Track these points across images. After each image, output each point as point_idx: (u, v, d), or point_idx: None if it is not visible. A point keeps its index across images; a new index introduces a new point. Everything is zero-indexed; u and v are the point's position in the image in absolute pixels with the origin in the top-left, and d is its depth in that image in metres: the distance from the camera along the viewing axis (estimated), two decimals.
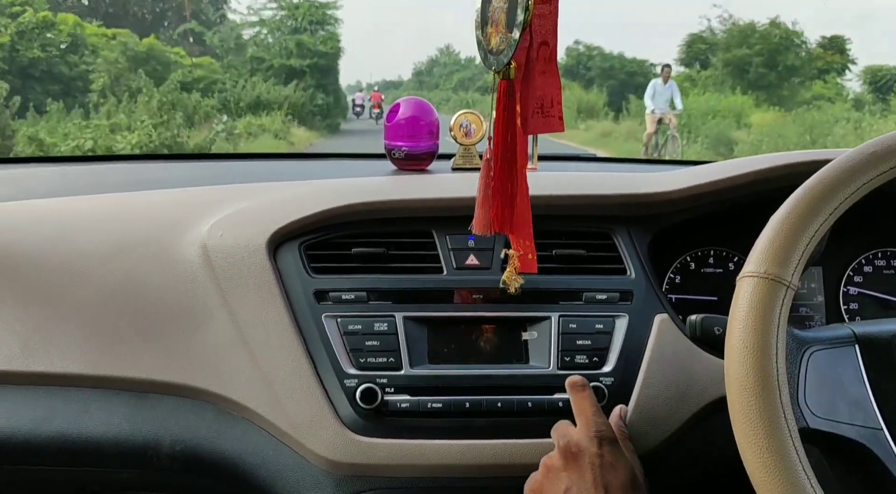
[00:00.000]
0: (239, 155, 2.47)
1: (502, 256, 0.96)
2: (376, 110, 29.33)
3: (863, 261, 1.21)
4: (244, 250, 1.00)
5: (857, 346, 0.77)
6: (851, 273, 1.21)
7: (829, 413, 0.73)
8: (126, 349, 0.99)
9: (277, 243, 1.02)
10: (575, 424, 0.88)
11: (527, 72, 0.84)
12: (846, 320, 1.20)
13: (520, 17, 0.78)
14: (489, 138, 0.87)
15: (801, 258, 0.70)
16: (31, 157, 7.31)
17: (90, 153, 11.41)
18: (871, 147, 0.74)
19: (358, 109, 32.36)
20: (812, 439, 0.72)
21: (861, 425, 0.73)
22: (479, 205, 0.90)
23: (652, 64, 32.17)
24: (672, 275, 1.19)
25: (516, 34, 0.79)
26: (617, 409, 0.92)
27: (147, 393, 1.00)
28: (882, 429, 0.73)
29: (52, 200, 1.19)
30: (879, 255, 1.21)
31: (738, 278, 0.72)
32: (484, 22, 0.85)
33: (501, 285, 0.95)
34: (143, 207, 1.15)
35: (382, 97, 32.33)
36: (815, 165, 0.77)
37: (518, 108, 0.84)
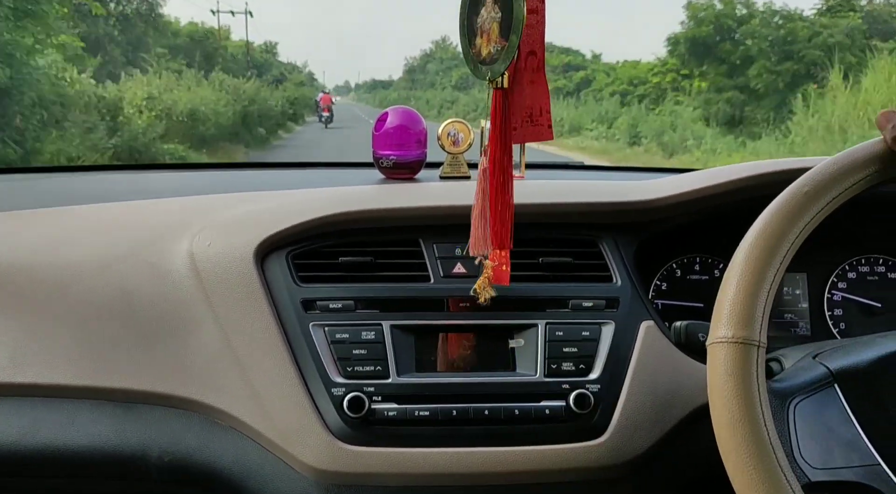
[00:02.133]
0: (226, 165, 2.47)
1: (477, 263, 0.96)
2: (325, 114, 28.19)
3: (846, 267, 1.22)
4: (232, 260, 1.00)
5: (836, 385, 0.77)
6: (836, 279, 1.22)
7: (827, 462, 0.73)
8: (114, 359, 0.99)
9: (265, 252, 1.02)
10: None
11: (515, 81, 0.84)
12: (830, 326, 1.21)
13: (516, 25, 0.79)
14: (483, 150, 0.88)
15: (765, 314, 0.71)
16: (19, 167, 7.27)
17: None
18: (804, 186, 0.75)
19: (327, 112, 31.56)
20: (816, 492, 0.72)
21: (858, 465, 0.73)
22: (475, 222, 0.90)
23: None
24: (658, 282, 1.19)
25: (514, 44, 0.79)
26: None
27: (135, 404, 1.00)
28: (880, 464, 0.72)
29: (39, 210, 1.19)
30: (863, 261, 1.22)
31: (707, 343, 0.73)
32: (472, 33, 0.85)
33: (472, 294, 0.95)
34: (130, 217, 1.15)
35: (333, 100, 31.19)
36: (797, 173, 0.78)
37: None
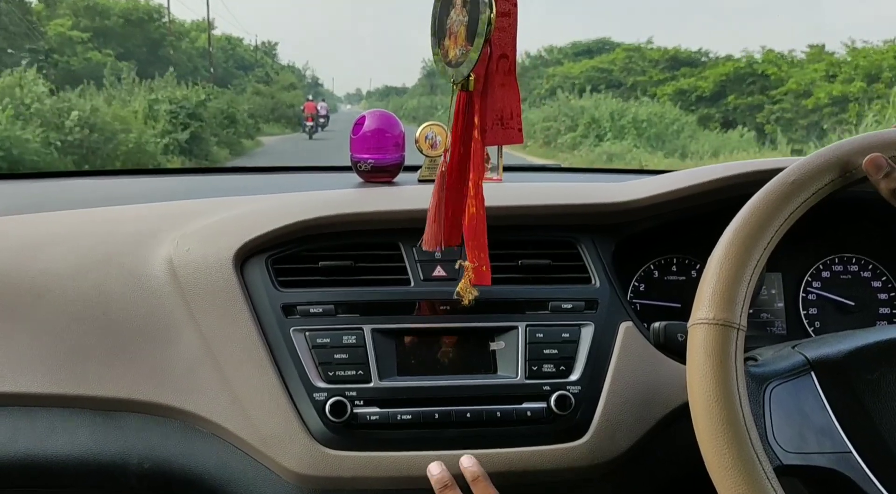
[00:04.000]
0: (205, 169, 2.45)
1: (457, 266, 0.97)
2: (309, 124, 25.74)
3: (821, 267, 1.24)
4: (211, 265, 1.00)
5: (812, 373, 0.78)
6: (810, 279, 1.23)
7: (799, 447, 0.74)
8: (92, 367, 0.98)
9: (244, 257, 1.02)
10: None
11: (486, 84, 0.84)
12: (806, 325, 1.22)
13: (482, 29, 0.79)
14: (445, 151, 0.88)
15: (746, 298, 0.72)
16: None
17: None
18: (792, 176, 0.76)
19: (322, 120, 28.72)
20: (788, 474, 0.73)
21: (830, 451, 0.74)
22: (430, 219, 0.91)
23: None
24: (636, 283, 1.20)
25: (478, 47, 0.80)
26: None
27: (114, 412, 0.99)
28: (851, 452, 0.74)
29: (16, 216, 1.17)
30: (837, 260, 1.24)
31: (689, 324, 0.73)
32: (441, 34, 0.85)
33: (455, 297, 0.95)
34: (108, 222, 1.14)
35: (320, 108, 28.87)
36: (772, 173, 0.79)
37: (476, 120, 0.85)
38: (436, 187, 0.90)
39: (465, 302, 0.95)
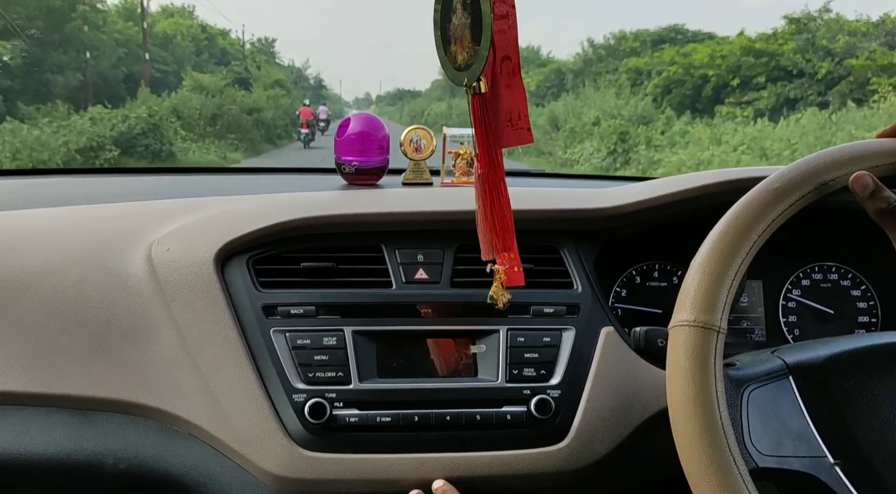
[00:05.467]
0: (187, 169, 2.44)
1: (488, 270, 0.95)
2: (304, 131, 23.14)
3: (801, 275, 1.25)
4: (191, 265, 0.99)
5: (790, 377, 0.79)
6: (790, 287, 1.24)
7: (775, 450, 0.75)
8: (69, 365, 0.97)
9: (225, 257, 1.01)
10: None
11: (493, 87, 0.85)
12: (785, 332, 1.23)
13: (486, 29, 0.79)
14: (476, 156, 0.87)
15: (727, 301, 0.73)
16: None
17: None
18: (774, 183, 0.77)
19: (322, 123, 26.78)
20: (763, 477, 0.74)
21: (806, 455, 0.75)
22: (480, 228, 0.90)
23: None
24: (618, 288, 1.21)
25: (486, 43, 0.80)
26: None
27: (90, 411, 0.98)
28: (826, 456, 0.75)
29: None
30: (816, 269, 1.25)
31: (669, 326, 0.74)
32: (446, 41, 0.85)
33: (489, 301, 0.92)
34: (88, 221, 1.13)
35: (317, 113, 26.98)
36: (753, 182, 0.79)
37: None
38: (477, 196, 0.89)
39: (500, 306, 0.91)
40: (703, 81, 20.55)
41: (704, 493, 0.68)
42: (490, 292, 0.93)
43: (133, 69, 26.47)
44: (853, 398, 0.78)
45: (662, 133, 16.38)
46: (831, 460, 0.75)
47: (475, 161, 0.89)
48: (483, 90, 0.83)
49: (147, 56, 25.90)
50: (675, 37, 27.44)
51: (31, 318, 1.00)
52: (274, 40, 55.39)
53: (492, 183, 0.87)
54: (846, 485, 0.74)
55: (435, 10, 0.86)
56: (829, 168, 0.76)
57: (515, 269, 0.91)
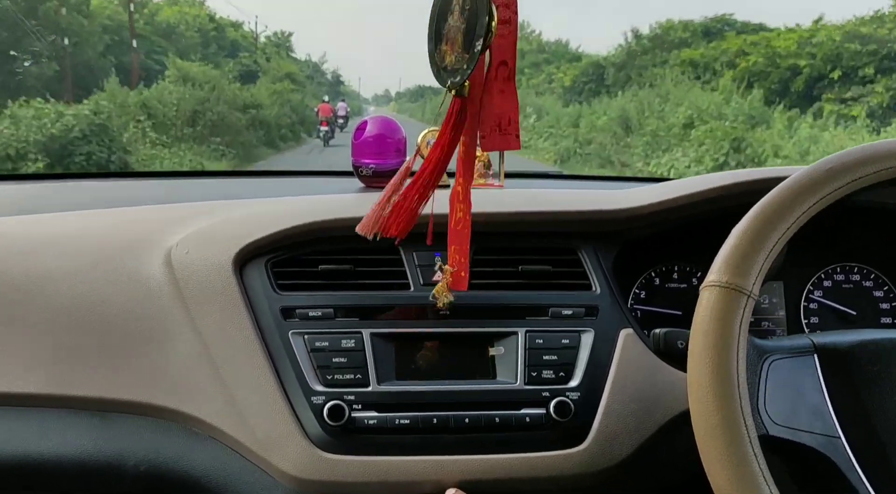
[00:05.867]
0: (206, 173, 2.46)
1: (436, 268, 0.96)
2: (324, 129, 21.66)
3: (822, 276, 1.23)
4: (210, 268, 1.00)
5: (815, 356, 0.79)
6: (812, 288, 1.23)
7: (789, 421, 0.75)
8: (89, 367, 0.98)
9: (244, 260, 1.02)
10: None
11: (486, 91, 0.84)
12: (807, 333, 1.22)
13: (479, 39, 0.79)
14: (418, 150, 0.88)
15: (762, 269, 0.72)
16: None
17: None
18: (828, 164, 0.77)
19: (340, 120, 24.65)
20: (772, 446, 0.74)
21: (819, 433, 0.75)
22: (379, 203, 0.87)
23: None
24: (637, 290, 1.20)
25: (474, 55, 0.80)
26: None
27: (110, 413, 0.99)
28: (840, 438, 0.75)
29: (13, 218, 1.17)
30: (839, 269, 1.24)
31: (700, 287, 0.74)
32: (438, 38, 0.85)
33: (431, 299, 0.93)
34: (108, 224, 1.14)
35: (336, 110, 24.62)
36: (775, 182, 0.79)
37: (468, 126, 0.85)
38: (397, 176, 0.88)
39: (440, 305, 0.94)
40: (792, 72, 17.47)
41: (710, 448, 0.68)
42: (434, 291, 0.93)
43: (124, 59, 22.94)
44: (873, 384, 0.78)
45: (788, 138, 12.80)
46: (844, 441, 0.75)
47: (416, 151, 0.88)
48: (465, 95, 0.83)
49: (135, 43, 22.56)
50: (721, 28, 24.86)
51: (51, 320, 1.00)
52: (290, 34, 50.88)
53: (427, 176, 0.86)
54: (855, 468, 0.73)
55: (434, 4, 0.86)
56: (890, 155, 0.76)
57: (462, 273, 0.91)
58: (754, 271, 0.72)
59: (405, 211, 0.86)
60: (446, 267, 0.92)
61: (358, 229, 0.86)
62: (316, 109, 24.24)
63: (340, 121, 24.87)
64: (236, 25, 40.10)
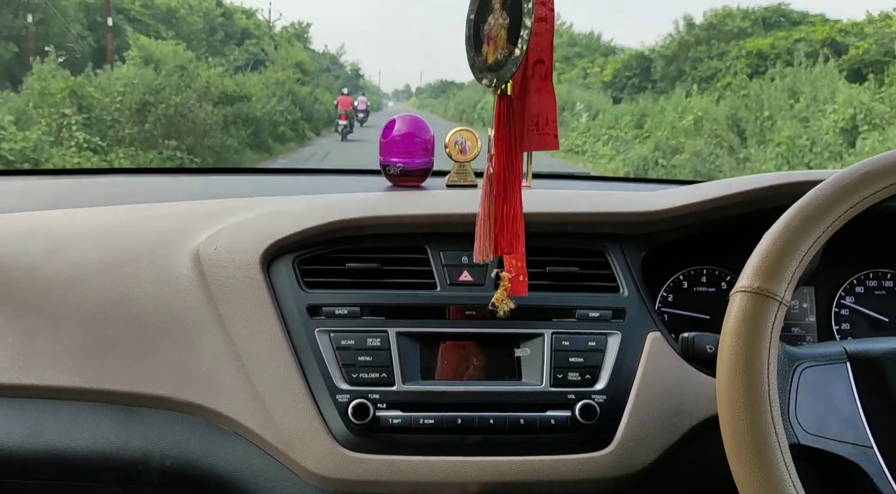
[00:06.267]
0: (234, 170, 2.48)
1: (493, 275, 0.96)
2: (342, 123, 20.57)
3: (854, 282, 1.22)
4: (238, 264, 1.00)
5: (848, 363, 0.78)
6: (843, 294, 1.21)
7: (820, 430, 0.74)
8: (118, 362, 0.99)
9: (271, 257, 1.02)
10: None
11: (522, 89, 0.84)
12: (838, 339, 1.20)
13: (524, 31, 0.79)
14: (489, 157, 0.87)
15: (794, 275, 0.71)
16: (26, 169, 7.24)
17: None
18: (864, 167, 0.75)
19: (361, 115, 23.88)
20: (802, 455, 0.73)
21: (851, 442, 0.74)
22: (481, 228, 0.89)
23: None
24: (665, 293, 1.19)
25: (523, 45, 0.79)
26: None
27: (138, 407, 1.00)
28: (872, 447, 0.74)
29: (46, 212, 1.19)
30: (871, 276, 1.22)
31: (731, 292, 0.73)
32: (478, 41, 0.85)
33: (490, 308, 0.94)
34: (137, 220, 1.15)
35: (357, 103, 23.68)
36: (807, 186, 0.78)
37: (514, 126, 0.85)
38: (483, 196, 0.88)
39: (501, 313, 0.93)
40: None
41: (739, 456, 0.67)
42: (493, 298, 0.93)
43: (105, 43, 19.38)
44: None
45: None
46: (877, 451, 0.73)
47: (489, 163, 0.88)
48: (510, 92, 0.83)
49: (110, 21, 19.10)
50: (777, 20, 23.26)
51: (81, 314, 1.01)
52: (309, 25, 48.12)
53: (505, 185, 0.86)
54: (888, 479, 0.72)
55: (470, 10, 0.86)
56: None
57: (521, 278, 0.91)
58: (787, 277, 0.70)
59: (498, 228, 0.87)
60: (504, 274, 0.91)
61: (476, 260, 0.88)
62: (335, 102, 23.33)
63: (361, 115, 24.07)
64: (249, 13, 36.64)
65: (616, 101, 22.37)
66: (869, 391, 0.76)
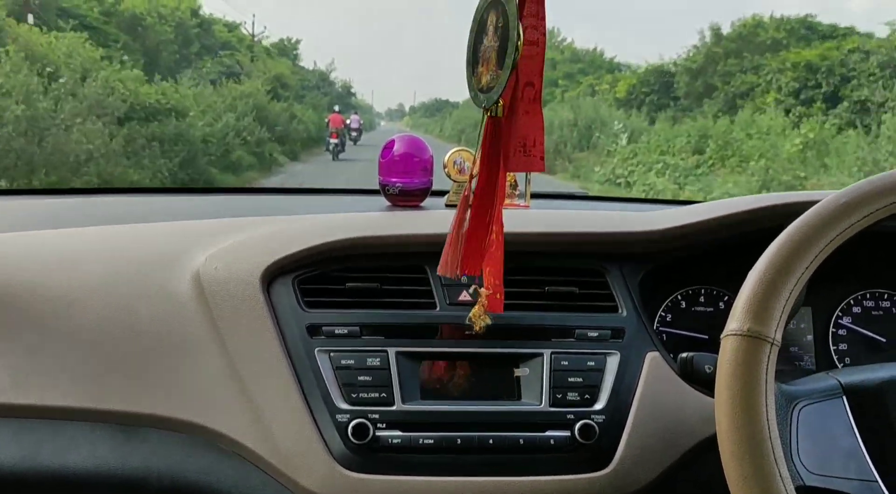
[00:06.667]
0: (234, 189, 2.48)
1: (470, 290, 0.96)
2: (334, 141, 19.33)
3: (851, 302, 1.22)
4: (238, 284, 1.01)
5: (844, 397, 0.78)
6: (840, 314, 1.22)
7: (824, 469, 0.73)
8: (116, 381, 0.99)
9: (271, 277, 1.02)
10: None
11: (511, 111, 0.85)
12: (835, 360, 1.20)
13: (510, 54, 0.80)
14: (470, 177, 0.88)
15: (783, 313, 0.71)
16: (26, 189, 7.21)
17: None
18: (843, 197, 0.75)
19: (354, 133, 23.28)
20: None
21: (855, 478, 0.73)
22: (449, 244, 0.90)
23: None
24: (663, 313, 1.19)
25: (507, 68, 0.81)
26: None
27: (136, 427, 0.99)
28: (877, 481, 0.73)
29: (46, 232, 1.19)
30: (868, 296, 1.22)
31: (721, 336, 0.73)
32: (475, 61, 0.86)
33: (467, 322, 0.95)
34: (137, 239, 1.16)
35: (349, 121, 22.71)
36: (804, 206, 0.78)
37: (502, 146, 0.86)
38: (458, 213, 0.90)
39: (477, 329, 0.94)
40: None
41: None
42: (470, 314, 0.94)
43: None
44: None
45: None
46: (881, 484, 0.73)
47: (467, 183, 0.89)
48: (499, 114, 0.84)
49: (31, 19, 15.94)
50: (804, 34, 20.81)
51: (80, 334, 1.01)
52: (298, 41, 44.60)
53: (483, 205, 0.87)
54: None
55: (471, 31, 0.87)
56: None
57: (497, 295, 0.92)
58: (776, 316, 0.70)
59: (469, 246, 0.88)
60: (482, 290, 0.92)
61: (439, 273, 0.90)
62: (326, 120, 21.53)
63: (354, 134, 23.32)
64: (231, 26, 33.89)
65: (650, 120, 19.87)
66: (868, 423, 0.76)
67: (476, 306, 0.94)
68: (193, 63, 22.63)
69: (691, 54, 22.54)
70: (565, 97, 27.24)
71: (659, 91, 22.48)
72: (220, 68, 23.73)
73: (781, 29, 20.77)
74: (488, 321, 0.94)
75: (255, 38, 35.55)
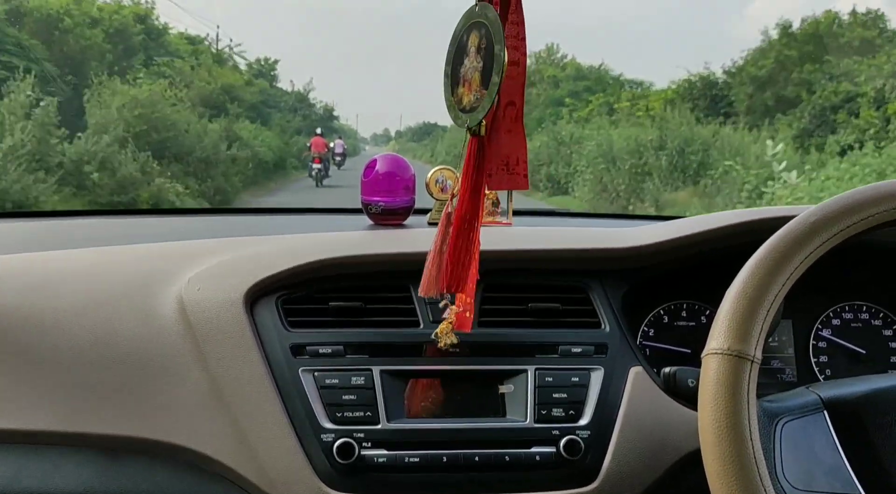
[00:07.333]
0: (216, 210, 2.48)
1: (441, 305, 0.97)
2: (316, 166, 19.21)
3: (831, 314, 1.23)
4: (221, 305, 1.00)
5: (825, 412, 0.78)
6: (821, 326, 1.23)
7: (808, 484, 0.74)
8: (98, 404, 0.98)
9: (254, 297, 1.02)
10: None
11: (493, 130, 0.86)
12: (816, 372, 1.21)
13: (495, 75, 0.81)
14: (451, 195, 0.89)
15: (762, 331, 0.72)
16: (5, 212, 7.16)
17: None
18: (813, 216, 0.77)
19: (338, 158, 22.86)
20: None
21: (840, 492, 0.74)
22: (430, 264, 0.91)
23: None
24: (646, 328, 1.20)
25: (493, 90, 0.81)
26: None
27: (119, 451, 0.98)
28: (860, 493, 0.74)
29: (25, 254, 1.18)
30: (847, 308, 1.23)
31: (702, 355, 0.74)
32: (455, 83, 0.87)
33: (433, 338, 0.95)
34: (118, 261, 1.15)
35: (333, 145, 22.44)
36: (782, 221, 0.79)
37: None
38: (439, 232, 0.90)
39: (442, 345, 0.95)
40: None
41: None
42: (436, 331, 0.95)
43: None
44: (889, 434, 0.77)
45: None
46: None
47: (448, 201, 0.90)
48: (482, 133, 0.85)
49: None
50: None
51: (61, 357, 1.01)
52: (276, 61, 39.85)
53: (463, 224, 0.88)
54: None
55: (448, 52, 0.88)
56: (871, 203, 0.76)
57: (467, 314, 0.93)
58: (755, 335, 0.71)
59: (451, 265, 0.89)
60: (452, 307, 0.92)
61: (421, 293, 0.91)
62: (308, 144, 20.51)
63: (338, 158, 22.69)
64: (196, 40, 30.19)
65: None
66: (850, 437, 0.77)
67: (443, 324, 0.95)
68: (124, 72, 18.79)
69: (751, 58, 18.59)
70: (573, 117, 23.99)
71: (706, 107, 18.07)
72: (155, 76, 19.99)
73: (873, 27, 17.43)
74: (455, 340, 0.95)
75: (218, 50, 32.58)
